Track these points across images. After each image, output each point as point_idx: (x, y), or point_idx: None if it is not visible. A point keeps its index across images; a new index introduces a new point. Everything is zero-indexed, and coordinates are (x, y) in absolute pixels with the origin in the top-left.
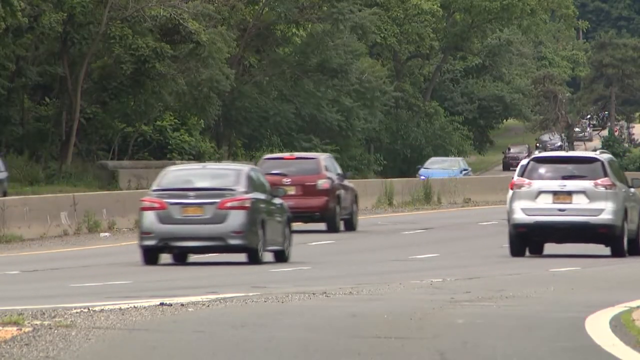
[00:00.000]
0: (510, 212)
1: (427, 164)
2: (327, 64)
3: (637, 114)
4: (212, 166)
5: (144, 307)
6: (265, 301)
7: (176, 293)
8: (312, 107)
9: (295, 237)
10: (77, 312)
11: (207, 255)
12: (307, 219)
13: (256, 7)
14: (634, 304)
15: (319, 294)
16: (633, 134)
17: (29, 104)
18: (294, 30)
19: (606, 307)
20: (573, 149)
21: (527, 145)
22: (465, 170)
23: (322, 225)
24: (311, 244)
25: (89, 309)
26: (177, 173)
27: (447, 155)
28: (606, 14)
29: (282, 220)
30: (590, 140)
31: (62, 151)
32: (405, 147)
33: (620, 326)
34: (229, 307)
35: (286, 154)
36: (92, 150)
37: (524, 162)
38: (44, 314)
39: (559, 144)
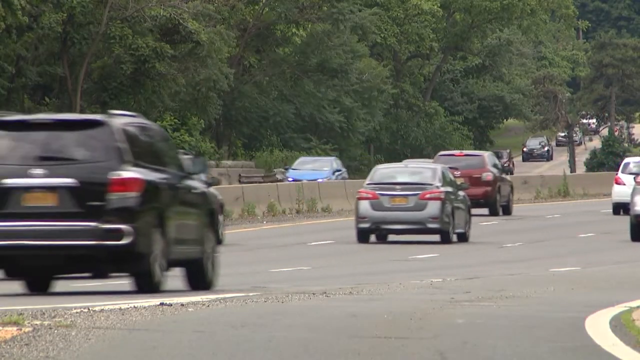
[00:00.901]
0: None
1: (296, 164)
2: (327, 64)
3: (637, 114)
4: (412, 165)
5: (144, 307)
6: (265, 301)
7: (176, 293)
8: (312, 107)
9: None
10: (77, 312)
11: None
12: (473, 205)
13: (256, 7)
14: (634, 304)
15: (319, 294)
16: (633, 134)
17: (29, 104)
18: (294, 30)
19: (606, 307)
20: (573, 150)
21: (545, 137)
22: (338, 171)
23: (484, 210)
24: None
25: (89, 309)
26: (384, 171)
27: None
28: (606, 14)
29: (465, 208)
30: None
31: None
32: (406, 147)
33: (620, 326)
34: (229, 307)
35: (457, 152)
36: None
37: (628, 160)
38: (44, 314)
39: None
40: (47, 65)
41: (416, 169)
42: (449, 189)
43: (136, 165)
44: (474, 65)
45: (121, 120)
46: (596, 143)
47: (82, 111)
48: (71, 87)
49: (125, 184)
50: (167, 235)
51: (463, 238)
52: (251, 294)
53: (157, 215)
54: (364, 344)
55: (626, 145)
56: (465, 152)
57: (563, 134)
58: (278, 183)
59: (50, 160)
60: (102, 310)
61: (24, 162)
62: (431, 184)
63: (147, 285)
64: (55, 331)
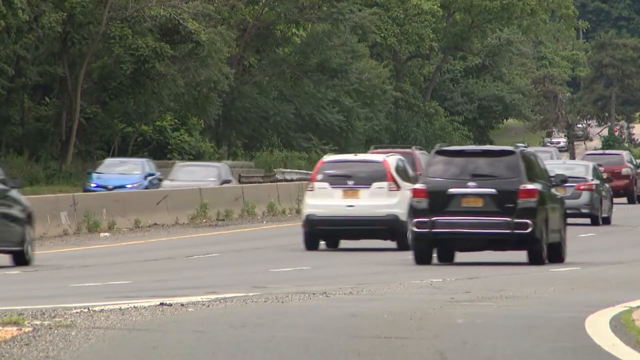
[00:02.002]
0: None
1: (103, 167)
2: (327, 64)
3: (637, 114)
4: (570, 162)
5: (144, 307)
6: (265, 301)
7: (176, 293)
8: (312, 107)
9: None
10: (77, 312)
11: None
12: (614, 195)
13: (256, 7)
14: (634, 304)
15: (319, 294)
16: (633, 134)
17: (29, 104)
18: (293, 30)
19: (606, 307)
20: (573, 150)
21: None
22: (151, 175)
23: (623, 199)
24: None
25: (89, 309)
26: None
27: None
28: (606, 14)
29: (607, 196)
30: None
31: (62, 151)
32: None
33: (620, 326)
34: (229, 307)
35: (598, 151)
36: (92, 150)
37: None
38: (44, 314)
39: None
40: (47, 65)
41: (571, 165)
42: (597, 181)
43: (531, 180)
44: (474, 65)
45: (522, 150)
46: (596, 143)
47: (82, 111)
48: (71, 87)
49: (529, 192)
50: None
51: (607, 221)
52: (251, 294)
53: (545, 214)
54: (364, 344)
55: (626, 145)
56: (607, 151)
57: (549, 139)
58: (278, 183)
59: (479, 177)
60: (102, 310)
61: (462, 178)
62: (585, 178)
63: (538, 259)
64: (55, 331)
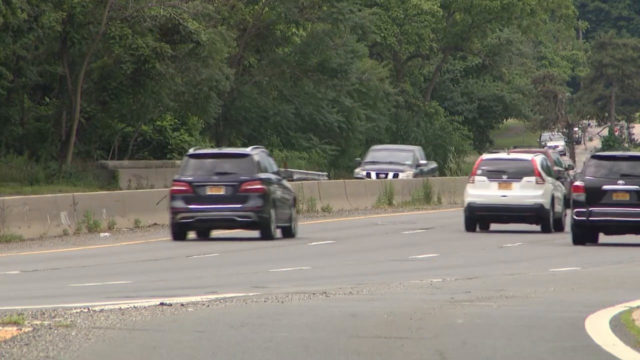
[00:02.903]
0: None
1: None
2: (327, 64)
3: (637, 114)
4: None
5: (144, 307)
6: (265, 301)
7: (176, 293)
8: (311, 107)
9: None
10: (77, 312)
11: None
12: None
13: (256, 7)
14: (634, 304)
15: (319, 294)
16: (633, 134)
17: (29, 104)
18: (293, 30)
19: (606, 307)
20: (573, 150)
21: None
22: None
23: None
24: None
25: (89, 309)
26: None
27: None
28: (606, 14)
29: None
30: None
31: (62, 151)
32: None
33: (620, 326)
34: (229, 307)
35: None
36: (92, 150)
37: None
38: (44, 314)
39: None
40: (47, 65)
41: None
42: None
43: None
44: (474, 65)
45: None
46: (596, 143)
47: (82, 111)
48: (71, 87)
49: None
50: None
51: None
52: (251, 294)
53: None
54: (364, 344)
55: (626, 145)
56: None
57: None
58: None
59: (626, 177)
60: (102, 310)
61: (612, 177)
62: None
63: None
64: (55, 331)
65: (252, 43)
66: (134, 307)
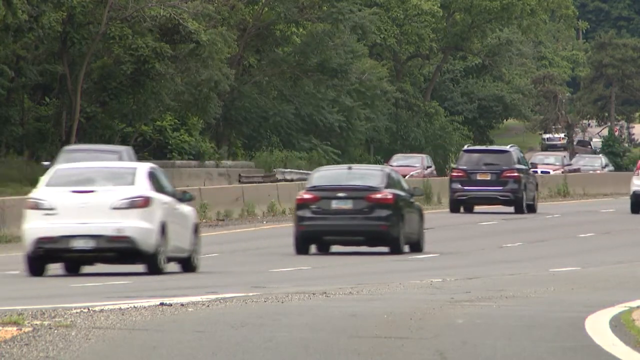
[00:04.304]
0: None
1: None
2: (327, 64)
3: (637, 114)
4: None
5: (144, 307)
6: (265, 301)
7: (176, 293)
8: (311, 107)
9: None
10: (77, 312)
11: None
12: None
13: (256, 7)
14: (634, 304)
15: (319, 294)
16: (633, 134)
17: (29, 104)
18: (293, 30)
19: (606, 307)
20: (573, 150)
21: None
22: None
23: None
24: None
25: (89, 309)
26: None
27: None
28: (606, 14)
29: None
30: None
31: None
32: (405, 147)
33: (620, 326)
34: (229, 307)
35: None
36: None
37: None
38: (44, 314)
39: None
40: (47, 65)
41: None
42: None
43: None
44: (474, 65)
45: None
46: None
47: (82, 111)
48: (71, 87)
49: None
50: None
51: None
52: (251, 294)
53: None
54: (364, 344)
55: (626, 145)
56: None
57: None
58: (278, 183)
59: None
60: (102, 310)
61: None
62: None
63: None
64: (55, 331)
65: (252, 43)
66: (134, 307)
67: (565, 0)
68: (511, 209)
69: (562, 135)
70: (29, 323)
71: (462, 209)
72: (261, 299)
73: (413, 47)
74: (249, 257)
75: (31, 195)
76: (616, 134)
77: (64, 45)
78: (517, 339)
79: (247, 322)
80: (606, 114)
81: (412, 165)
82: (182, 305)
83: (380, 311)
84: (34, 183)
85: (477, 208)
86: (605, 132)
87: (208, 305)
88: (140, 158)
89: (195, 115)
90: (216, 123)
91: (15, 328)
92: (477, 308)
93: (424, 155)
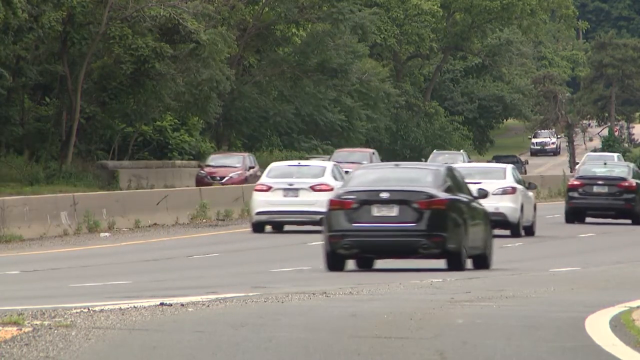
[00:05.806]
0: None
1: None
2: (327, 64)
3: (637, 114)
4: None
5: (144, 307)
6: (265, 301)
7: (176, 293)
8: (312, 107)
9: None
10: (77, 312)
11: None
12: None
13: (256, 7)
14: (634, 304)
15: (319, 294)
16: (633, 134)
17: (29, 104)
18: (293, 30)
19: (606, 307)
20: (573, 150)
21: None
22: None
23: None
24: None
25: (89, 309)
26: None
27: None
28: (606, 14)
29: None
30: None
31: (62, 151)
32: (405, 147)
33: (620, 326)
34: (229, 307)
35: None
36: (92, 150)
37: None
38: (44, 314)
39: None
40: (47, 65)
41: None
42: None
43: None
44: (474, 65)
45: None
46: (596, 143)
47: (82, 111)
48: (71, 87)
49: None
50: None
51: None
52: (251, 294)
53: None
54: (364, 344)
55: (626, 145)
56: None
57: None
58: None
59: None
60: (102, 310)
61: None
62: None
63: None
64: (55, 331)
65: (252, 43)
66: (134, 307)
67: (565, 0)
68: None
69: (553, 139)
70: (29, 323)
71: None
72: (261, 299)
73: (413, 47)
74: (249, 257)
75: None
76: (616, 134)
77: (64, 45)
78: (517, 339)
79: (247, 322)
80: (606, 114)
81: (232, 165)
82: (182, 305)
83: (380, 311)
84: (34, 183)
85: None
86: (605, 132)
87: (208, 305)
88: (140, 158)
89: (195, 115)
90: (216, 123)
91: (15, 328)
92: (477, 308)
93: (245, 154)
